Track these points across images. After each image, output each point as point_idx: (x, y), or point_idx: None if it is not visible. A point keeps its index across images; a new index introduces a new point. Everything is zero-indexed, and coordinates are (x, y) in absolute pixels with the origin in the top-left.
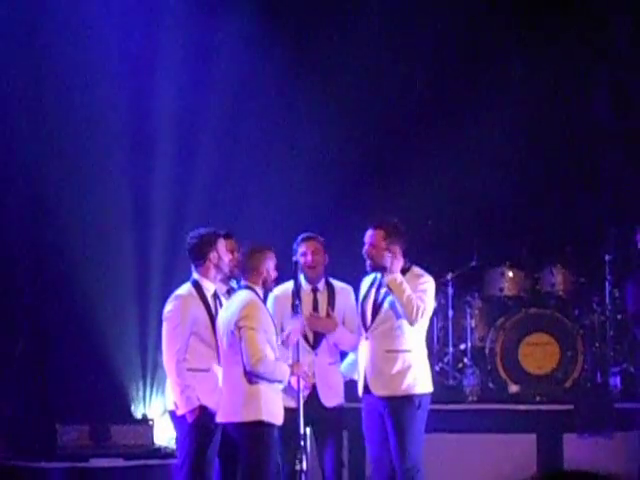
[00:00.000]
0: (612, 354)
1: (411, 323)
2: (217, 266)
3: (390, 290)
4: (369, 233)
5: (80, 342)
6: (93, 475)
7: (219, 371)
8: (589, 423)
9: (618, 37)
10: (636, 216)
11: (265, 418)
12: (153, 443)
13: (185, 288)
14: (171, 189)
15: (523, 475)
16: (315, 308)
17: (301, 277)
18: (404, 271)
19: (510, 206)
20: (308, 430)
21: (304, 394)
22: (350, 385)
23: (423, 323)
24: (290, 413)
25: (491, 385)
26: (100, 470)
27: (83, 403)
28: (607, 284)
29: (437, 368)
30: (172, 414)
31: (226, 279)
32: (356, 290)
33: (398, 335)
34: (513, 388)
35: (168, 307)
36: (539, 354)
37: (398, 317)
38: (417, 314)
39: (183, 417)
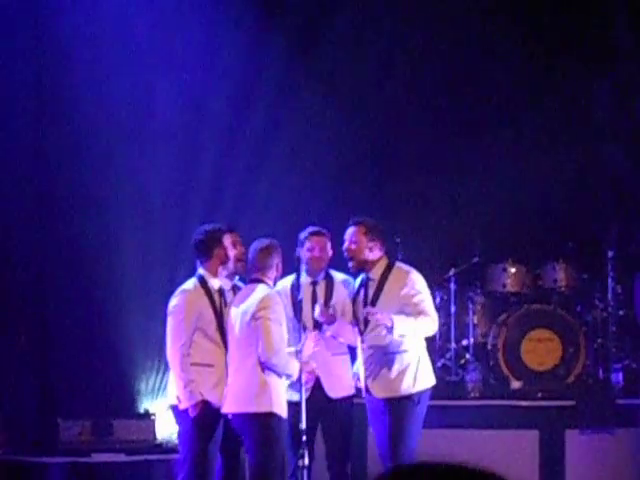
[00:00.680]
0: (614, 350)
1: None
2: (223, 262)
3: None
4: (350, 230)
5: (82, 337)
6: (95, 470)
7: (223, 367)
8: (591, 419)
9: (620, 33)
10: (638, 212)
11: (276, 410)
12: (155, 438)
13: (190, 283)
14: (175, 184)
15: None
16: (314, 301)
17: (302, 273)
18: (389, 267)
19: (512, 202)
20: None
21: (307, 387)
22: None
23: (435, 315)
24: (295, 407)
25: (493, 381)
26: (102, 465)
27: (85, 398)
28: (609, 280)
29: (439, 364)
30: (174, 408)
31: (231, 275)
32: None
33: (387, 336)
34: (515, 384)
35: (173, 302)
36: (541, 350)
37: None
38: (432, 328)
39: (185, 411)
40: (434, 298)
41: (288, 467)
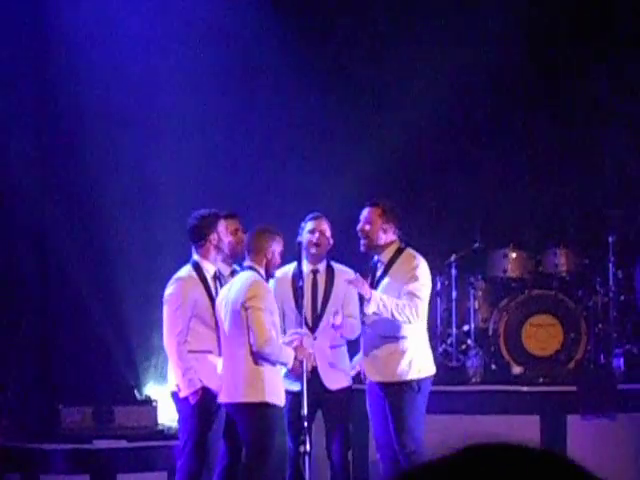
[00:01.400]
0: (615, 335)
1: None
2: (217, 247)
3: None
4: (365, 211)
5: (83, 323)
6: (96, 456)
7: (220, 352)
8: (592, 404)
9: (619, 17)
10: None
11: (268, 399)
12: (157, 424)
13: (185, 270)
14: (178, 173)
15: None
16: (314, 290)
17: (302, 257)
18: (399, 251)
19: (513, 187)
20: (319, 413)
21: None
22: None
23: (422, 311)
24: (295, 397)
25: (494, 366)
26: (103, 451)
27: (86, 384)
28: (610, 265)
29: (440, 350)
30: (174, 396)
31: (229, 260)
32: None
33: (392, 321)
34: (516, 369)
35: (168, 290)
36: (542, 335)
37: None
38: (411, 317)
39: (185, 399)
40: (435, 284)
41: (286, 455)
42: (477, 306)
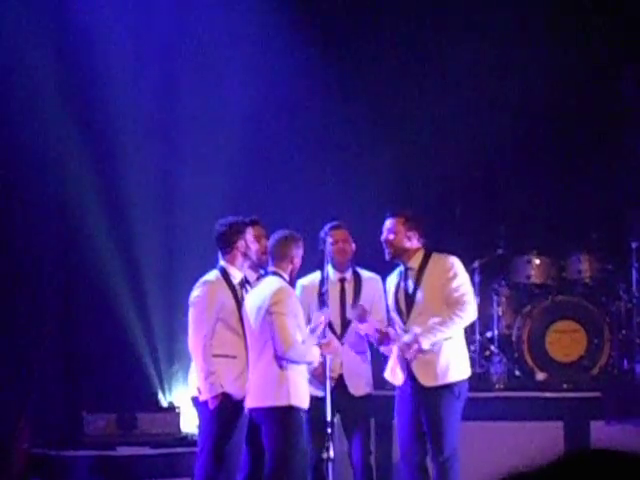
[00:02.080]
0: (639, 341)
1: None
2: (244, 254)
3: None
4: (388, 222)
5: (107, 330)
6: (120, 463)
7: (245, 358)
8: (616, 410)
9: None
10: None
11: (294, 403)
12: (180, 431)
13: (212, 274)
14: (199, 177)
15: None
16: (342, 298)
17: (328, 267)
18: (426, 257)
19: (536, 193)
20: (336, 418)
21: (331, 383)
22: (376, 372)
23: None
24: (318, 402)
25: (518, 373)
26: (127, 458)
27: (110, 391)
28: (634, 271)
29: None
30: (195, 400)
31: (255, 267)
32: (384, 280)
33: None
34: (540, 376)
35: (195, 292)
36: (566, 341)
37: (434, 307)
38: (466, 320)
39: (205, 403)
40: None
41: (307, 461)
42: (501, 312)
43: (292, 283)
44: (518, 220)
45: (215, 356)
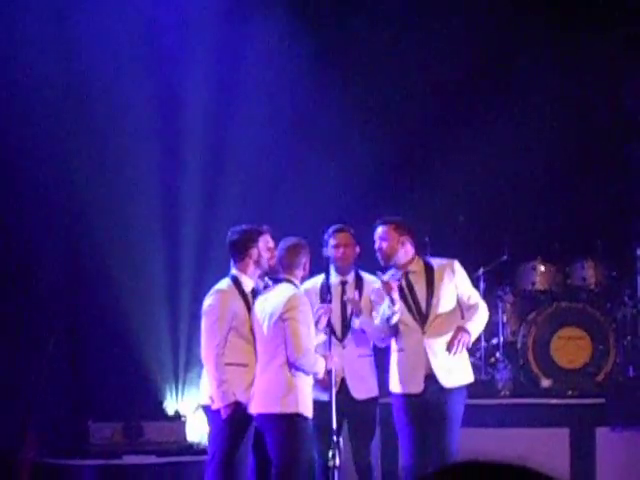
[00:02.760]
0: None
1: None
2: (257, 262)
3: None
4: (379, 230)
5: (113, 339)
6: (126, 472)
7: (255, 366)
8: (621, 417)
9: None
10: None
11: (301, 411)
12: (186, 440)
13: (225, 283)
14: (202, 186)
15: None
16: (343, 301)
17: (331, 269)
18: (425, 262)
19: (541, 200)
20: (343, 424)
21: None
22: (381, 381)
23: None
24: (322, 407)
25: (523, 379)
26: (133, 467)
27: (116, 400)
28: (638, 277)
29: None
30: (207, 409)
31: (264, 275)
32: None
33: (451, 328)
34: (545, 382)
35: (208, 301)
36: (571, 348)
37: (450, 310)
38: (487, 316)
39: (217, 412)
40: None
41: (314, 469)
42: (506, 319)
43: None
44: (523, 227)
45: (227, 365)
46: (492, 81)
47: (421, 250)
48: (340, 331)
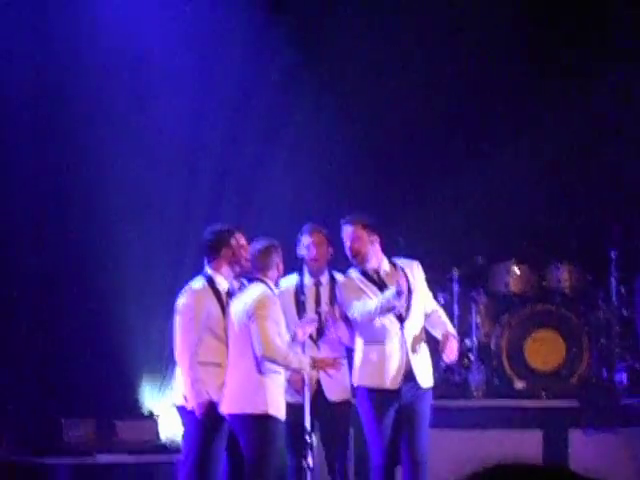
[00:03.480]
0: (618, 350)
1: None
2: (230, 262)
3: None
4: (348, 229)
5: (86, 337)
6: (99, 471)
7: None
8: (595, 419)
9: (619, 33)
10: None
11: (271, 412)
12: (159, 438)
13: (199, 282)
14: (176, 184)
15: None
16: (318, 302)
17: (304, 270)
18: (392, 262)
19: (515, 202)
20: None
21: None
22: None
23: None
24: (296, 409)
25: (497, 381)
26: (106, 466)
27: (89, 398)
28: (613, 280)
29: (442, 364)
30: (180, 408)
31: (239, 275)
32: None
33: (421, 328)
34: (519, 384)
35: (182, 300)
36: (545, 350)
37: (422, 310)
38: None
39: (191, 411)
40: (437, 299)
41: (286, 468)
42: (479, 321)
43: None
44: (497, 229)
45: (200, 364)
46: (471, 84)
47: (395, 251)
48: (315, 333)
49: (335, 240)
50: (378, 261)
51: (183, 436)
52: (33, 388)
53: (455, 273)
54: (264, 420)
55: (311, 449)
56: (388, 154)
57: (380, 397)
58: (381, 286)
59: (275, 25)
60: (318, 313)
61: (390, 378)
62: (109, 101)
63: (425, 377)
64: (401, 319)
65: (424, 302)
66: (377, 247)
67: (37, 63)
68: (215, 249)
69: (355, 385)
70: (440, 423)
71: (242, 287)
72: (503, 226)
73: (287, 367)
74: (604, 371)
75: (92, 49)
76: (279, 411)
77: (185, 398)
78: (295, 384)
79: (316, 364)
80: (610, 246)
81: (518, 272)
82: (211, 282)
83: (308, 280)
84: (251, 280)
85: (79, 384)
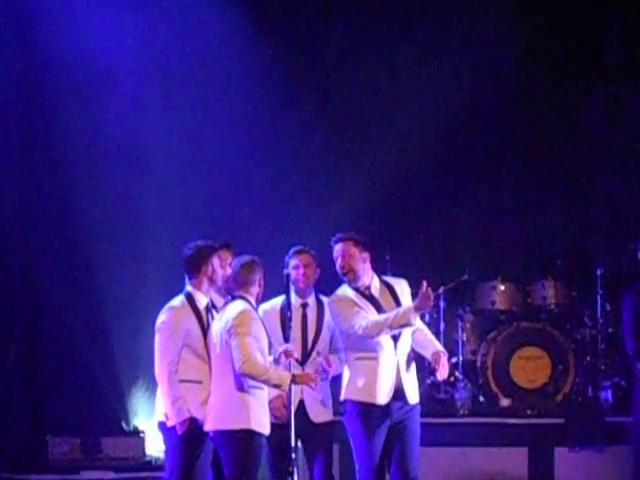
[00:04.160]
0: (603, 368)
1: None
2: (210, 279)
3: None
4: (339, 247)
5: (71, 354)
6: None
7: (210, 383)
8: (580, 437)
9: (610, 48)
10: (627, 229)
11: (254, 427)
12: (144, 455)
13: (178, 300)
14: (166, 201)
15: None
16: (304, 324)
17: (291, 291)
18: (382, 280)
19: (501, 220)
20: (299, 444)
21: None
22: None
23: None
24: (278, 429)
25: (482, 399)
26: None
27: (74, 415)
28: (598, 298)
29: (428, 381)
30: (162, 425)
31: (224, 292)
32: None
33: (410, 342)
34: (504, 402)
35: (161, 318)
36: (530, 368)
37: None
38: None
39: (173, 429)
40: (423, 316)
41: None
42: (465, 338)
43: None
44: (483, 246)
45: (181, 381)
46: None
47: (382, 269)
48: (301, 356)
49: (321, 261)
50: (369, 278)
51: (166, 453)
52: (19, 405)
53: (441, 291)
54: (245, 435)
55: (296, 465)
56: (377, 174)
57: (370, 412)
58: (374, 303)
59: (266, 44)
60: (304, 326)
61: (381, 394)
62: (99, 119)
63: (413, 394)
64: (394, 336)
65: None
66: (368, 265)
67: (25, 80)
68: (195, 266)
69: (343, 399)
70: (426, 440)
71: (227, 303)
72: (489, 244)
73: (267, 383)
74: (590, 389)
75: (82, 66)
76: (262, 427)
77: (166, 416)
78: (276, 410)
79: (297, 379)
80: (595, 263)
81: (504, 289)
82: (190, 299)
83: (295, 301)
84: (233, 297)
85: (64, 401)
